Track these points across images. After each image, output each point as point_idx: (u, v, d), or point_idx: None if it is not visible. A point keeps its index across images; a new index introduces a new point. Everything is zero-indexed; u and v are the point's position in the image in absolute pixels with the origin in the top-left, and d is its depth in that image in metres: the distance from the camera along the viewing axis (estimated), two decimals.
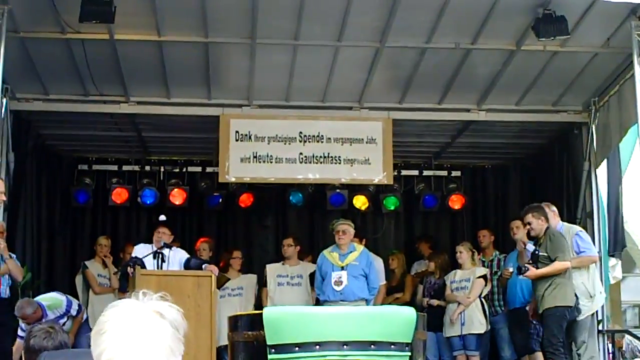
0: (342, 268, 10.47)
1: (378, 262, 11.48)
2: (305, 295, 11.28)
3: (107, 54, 10.14)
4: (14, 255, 10.05)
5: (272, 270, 11.51)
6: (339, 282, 10.37)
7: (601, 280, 10.41)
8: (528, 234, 9.67)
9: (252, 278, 11.86)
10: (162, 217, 10.15)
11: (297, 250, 11.61)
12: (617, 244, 11.29)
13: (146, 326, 2.36)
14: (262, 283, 11.66)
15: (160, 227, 9.97)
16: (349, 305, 10.10)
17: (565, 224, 10.05)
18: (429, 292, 11.52)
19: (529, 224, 9.49)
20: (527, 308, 10.24)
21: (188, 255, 9.88)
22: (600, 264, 10.71)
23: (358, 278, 10.47)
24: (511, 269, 10.59)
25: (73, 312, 10.20)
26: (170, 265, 9.51)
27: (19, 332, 9.68)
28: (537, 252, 9.29)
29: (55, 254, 13.47)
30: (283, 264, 11.55)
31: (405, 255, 13.10)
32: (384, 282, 11.65)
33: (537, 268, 9.22)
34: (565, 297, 9.25)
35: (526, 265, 9.34)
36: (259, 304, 11.36)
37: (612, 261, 11.21)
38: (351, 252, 10.62)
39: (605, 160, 11.48)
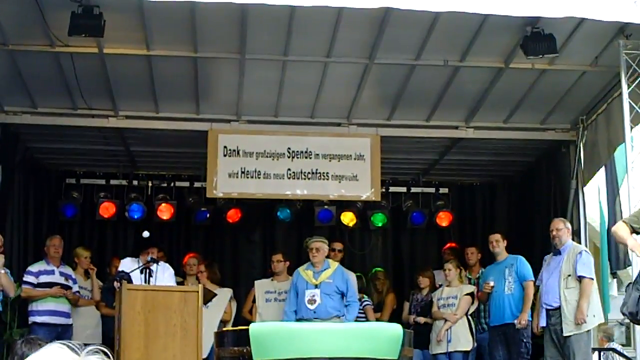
0: (316, 286, 10.41)
1: (352, 278, 11.23)
2: None
3: (96, 68, 10.11)
4: (7, 270, 9.98)
5: (261, 286, 11.43)
6: (312, 301, 10.30)
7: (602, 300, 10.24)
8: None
9: (226, 292, 11.59)
10: (146, 234, 9.88)
11: (287, 265, 11.52)
12: (618, 261, 11.15)
13: None
14: (238, 297, 11.61)
15: (150, 249, 9.79)
16: (323, 322, 10.03)
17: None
18: (416, 309, 11.49)
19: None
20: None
21: (180, 279, 9.77)
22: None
23: (332, 296, 10.39)
24: (492, 283, 10.51)
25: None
26: (157, 280, 9.43)
27: None
28: None
29: None
30: (272, 280, 11.47)
31: (393, 272, 12.99)
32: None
33: None
34: None
35: None
36: (237, 320, 11.30)
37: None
38: (325, 269, 10.55)
39: (604, 177, 11.44)
